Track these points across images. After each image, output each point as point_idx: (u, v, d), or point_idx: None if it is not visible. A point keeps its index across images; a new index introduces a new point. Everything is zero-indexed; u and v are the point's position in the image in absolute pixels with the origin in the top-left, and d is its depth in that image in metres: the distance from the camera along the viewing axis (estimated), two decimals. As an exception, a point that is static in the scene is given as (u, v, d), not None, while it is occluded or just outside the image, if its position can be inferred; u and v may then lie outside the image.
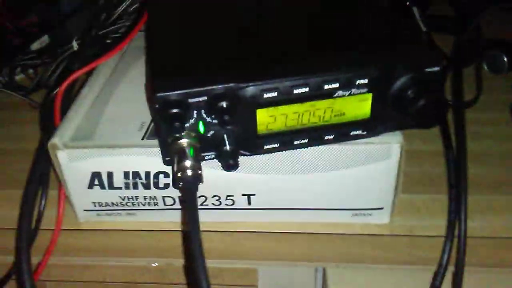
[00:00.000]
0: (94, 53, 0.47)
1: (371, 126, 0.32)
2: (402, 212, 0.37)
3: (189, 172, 0.28)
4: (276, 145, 0.32)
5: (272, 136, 0.31)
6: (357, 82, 0.30)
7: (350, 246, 0.36)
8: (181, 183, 0.28)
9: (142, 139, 0.34)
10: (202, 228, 0.36)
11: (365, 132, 0.32)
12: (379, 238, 0.36)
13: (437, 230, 0.36)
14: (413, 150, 0.43)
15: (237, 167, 0.30)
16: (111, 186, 0.35)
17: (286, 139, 0.32)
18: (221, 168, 0.32)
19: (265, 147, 0.32)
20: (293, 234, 0.37)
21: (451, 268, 0.34)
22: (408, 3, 0.63)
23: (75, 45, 0.54)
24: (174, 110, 0.28)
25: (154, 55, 0.33)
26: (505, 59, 0.53)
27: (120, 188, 0.35)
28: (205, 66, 0.31)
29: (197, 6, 0.40)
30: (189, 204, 0.27)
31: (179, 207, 0.36)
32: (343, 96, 0.30)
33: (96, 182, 0.35)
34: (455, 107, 0.43)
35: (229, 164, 0.30)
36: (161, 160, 0.32)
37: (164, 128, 0.30)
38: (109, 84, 0.41)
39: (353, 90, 0.30)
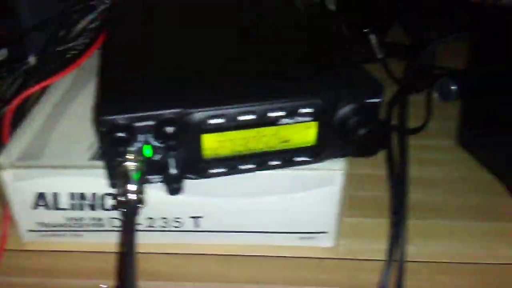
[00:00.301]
0: (52, 69, 0.47)
1: (316, 153, 0.33)
2: (348, 235, 0.38)
3: (131, 196, 0.28)
4: (222, 170, 0.32)
5: (218, 161, 0.32)
6: (302, 111, 0.31)
7: (297, 269, 0.37)
8: (122, 207, 0.28)
9: (90, 160, 0.34)
10: (149, 250, 0.37)
11: (310, 159, 0.33)
12: (324, 261, 0.37)
13: (380, 254, 0.37)
14: (363, 174, 0.44)
15: (181, 192, 0.31)
16: (56, 207, 0.35)
17: (233, 164, 0.32)
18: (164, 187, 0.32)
19: (211, 171, 0.32)
20: (242, 256, 0.37)
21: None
22: (366, 30, 0.66)
23: (32, 60, 0.53)
24: (120, 134, 0.29)
25: (105, 76, 0.34)
26: (453, 87, 0.56)
27: (66, 209, 0.35)
28: (154, 90, 0.31)
29: (157, 28, 0.41)
30: (126, 229, 0.27)
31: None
32: (288, 123, 0.31)
33: (41, 202, 0.34)
34: (400, 133, 0.45)
35: (174, 188, 0.30)
36: (107, 182, 0.32)
37: (109, 152, 0.30)
38: (63, 102, 0.41)
39: (298, 118, 0.31)
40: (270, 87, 0.32)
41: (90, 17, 0.54)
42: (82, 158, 0.34)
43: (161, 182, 0.32)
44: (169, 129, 0.29)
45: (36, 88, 0.43)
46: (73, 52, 0.52)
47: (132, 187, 0.29)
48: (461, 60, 0.59)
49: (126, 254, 0.26)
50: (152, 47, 0.37)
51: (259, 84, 0.32)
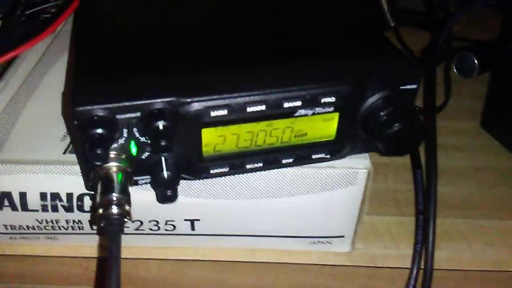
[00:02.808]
0: (20, 37, 0.40)
1: (335, 149, 0.28)
2: (364, 238, 0.33)
3: (114, 209, 0.23)
4: (225, 169, 0.27)
5: (220, 159, 0.26)
6: (323, 100, 0.25)
7: (305, 277, 0.32)
8: (103, 223, 0.23)
9: (64, 153, 0.29)
10: (137, 254, 0.32)
11: (328, 156, 0.28)
12: (338, 269, 0.32)
13: (401, 261, 0.32)
14: (381, 162, 0.39)
15: (176, 199, 0.25)
16: (25, 208, 0.29)
17: (237, 163, 0.27)
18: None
19: (212, 171, 0.27)
20: (242, 263, 0.32)
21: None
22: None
23: (-4, 24, 0.46)
24: (98, 130, 0.23)
25: (79, 54, 0.27)
26: (476, 61, 0.50)
27: (37, 211, 0.29)
28: (141, 74, 0.25)
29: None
30: (111, 250, 0.22)
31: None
32: (306, 115, 0.26)
33: (6, 203, 0.29)
34: (427, 115, 0.39)
35: (166, 195, 0.24)
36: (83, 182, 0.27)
37: (85, 150, 0.24)
38: (31, 79, 0.35)
39: (318, 109, 0.26)
40: (285, 71, 0.26)
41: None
42: (54, 152, 0.29)
43: (150, 185, 0.26)
44: (160, 124, 0.23)
45: (2, 60, 0.36)
46: (45, 16, 0.44)
47: (114, 195, 0.23)
48: (486, 31, 0.54)
49: (110, 276, 0.21)
50: (139, 19, 0.31)
51: (271, 68, 0.26)
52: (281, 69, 0.26)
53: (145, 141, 0.25)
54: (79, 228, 0.30)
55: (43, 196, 0.28)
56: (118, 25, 0.30)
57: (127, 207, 0.23)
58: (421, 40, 0.56)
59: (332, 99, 0.25)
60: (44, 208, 0.29)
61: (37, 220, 0.30)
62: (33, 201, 0.29)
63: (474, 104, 0.46)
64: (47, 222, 0.30)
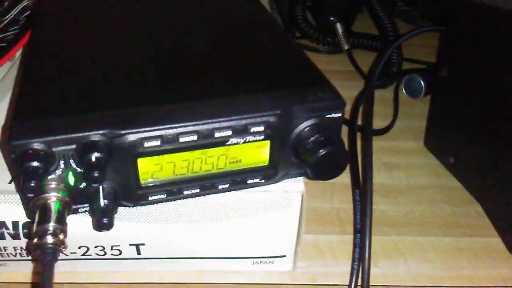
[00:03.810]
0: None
1: (270, 174, 0.29)
2: (307, 257, 0.35)
3: (49, 239, 0.24)
4: (163, 196, 0.28)
5: (158, 186, 0.28)
6: (252, 129, 0.27)
7: (250, 295, 0.34)
8: (38, 251, 0.24)
9: (10, 182, 0.30)
10: (85, 279, 0.33)
11: (263, 180, 0.30)
12: (281, 287, 0.34)
13: (341, 278, 0.34)
14: (322, 182, 0.41)
15: (111, 227, 0.26)
16: (-28, 237, 0.30)
17: (175, 189, 0.28)
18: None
19: (150, 198, 0.28)
20: (189, 284, 0.33)
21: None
22: (332, 19, 0.62)
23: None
24: (33, 163, 0.24)
25: (21, 88, 0.29)
26: (422, 82, 0.53)
27: (-16, 239, 0.30)
28: (78, 108, 0.27)
29: (85, 30, 0.35)
30: (43, 278, 0.23)
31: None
32: (238, 143, 0.27)
33: (-48, 231, 0.30)
34: (365, 136, 0.41)
35: (102, 223, 0.26)
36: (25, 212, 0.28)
37: (22, 182, 0.25)
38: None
39: (249, 138, 0.27)
40: (215, 103, 0.27)
41: (24, 3, 0.47)
42: (1, 180, 0.30)
43: (88, 213, 0.28)
44: (93, 156, 0.24)
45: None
46: (2, 45, 0.45)
47: (50, 225, 0.24)
48: (432, 52, 0.56)
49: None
50: (78, 54, 0.32)
51: (202, 100, 0.28)
52: (212, 100, 0.27)
53: (81, 171, 0.26)
54: (27, 254, 0.31)
55: (-11, 224, 0.29)
56: (59, 61, 0.31)
57: (61, 237, 0.24)
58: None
59: (261, 128, 0.27)
60: (-9, 236, 0.30)
61: (-15, 248, 0.31)
62: (-20, 229, 0.30)
63: (420, 124, 0.49)
64: (-6, 249, 0.31)
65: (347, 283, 0.33)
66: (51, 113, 0.26)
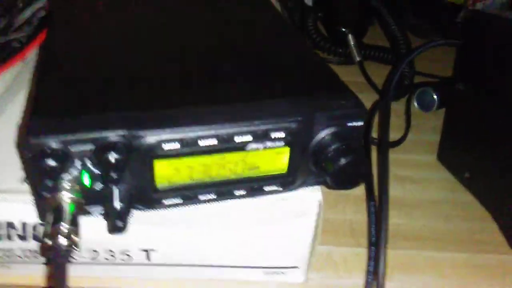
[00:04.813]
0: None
1: (287, 182, 0.29)
2: (319, 268, 0.34)
3: (62, 240, 0.23)
4: (178, 201, 0.28)
5: (173, 191, 0.27)
6: (273, 135, 0.26)
7: (261, 306, 0.33)
8: (49, 253, 0.23)
9: (21, 182, 0.29)
10: (92, 284, 0.32)
11: (281, 188, 0.29)
12: (293, 299, 0.33)
13: (355, 291, 0.33)
14: (336, 193, 0.40)
15: (125, 230, 0.25)
16: (-22, 237, 0.29)
17: (191, 194, 0.28)
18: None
19: (165, 202, 0.27)
20: (198, 293, 0.32)
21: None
22: (343, 30, 0.61)
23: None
24: (50, 162, 0.23)
25: (38, 87, 0.28)
26: (434, 96, 0.53)
27: (-9, 240, 0.29)
28: (96, 108, 0.26)
29: (104, 30, 0.35)
30: (57, 281, 0.22)
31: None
32: (257, 149, 0.27)
33: (-40, 231, 0.29)
34: (381, 148, 0.41)
35: (116, 226, 0.25)
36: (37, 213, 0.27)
37: (37, 181, 0.24)
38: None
39: (269, 144, 0.27)
40: (236, 107, 0.27)
41: (38, 4, 0.47)
42: (12, 180, 0.29)
43: (102, 215, 0.27)
44: (112, 157, 0.24)
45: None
46: (15, 45, 0.45)
47: (63, 226, 0.23)
48: (445, 66, 0.56)
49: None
50: (96, 53, 0.32)
51: (222, 104, 0.27)
52: (233, 105, 0.27)
53: (98, 172, 0.25)
54: (34, 257, 0.30)
55: (-3, 225, 0.29)
56: (78, 60, 0.30)
57: (75, 238, 0.24)
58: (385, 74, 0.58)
59: (282, 135, 0.27)
60: (-1, 237, 0.29)
61: (-9, 249, 0.30)
62: (-12, 229, 0.29)
63: (432, 137, 0.48)
64: (0, 250, 0.30)
65: (361, 297, 0.32)
66: (70, 112, 0.25)
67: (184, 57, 0.32)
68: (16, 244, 0.30)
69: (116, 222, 0.25)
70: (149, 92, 0.28)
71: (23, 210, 0.28)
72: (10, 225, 0.29)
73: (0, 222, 0.29)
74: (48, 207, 0.24)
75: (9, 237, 0.29)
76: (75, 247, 0.23)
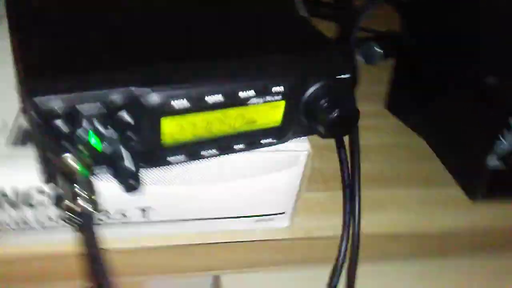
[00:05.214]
0: None
1: (281, 134, 0.30)
2: (302, 212, 0.37)
3: (83, 204, 0.23)
4: (181, 157, 0.28)
5: (177, 148, 0.27)
6: (273, 89, 0.28)
7: (250, 252, 0.35)
8: (74, 219, 0.23)
9: (8, 145, 0.27)
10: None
11: (275, 140, 0.30)
12: (280, 243, 0.35)
13: (334, 229, 0.36)
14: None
15: (139, 187, 0.26)
16: None
17: (194, 150, 0.28)
18: (116, 183, 0.27)
19: (169, 159, 0.28)
20: (192, 245, 0.34)
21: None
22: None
23: None
24: (58, 121, 0.23)
25: (25, 45, 0.26)
26: (378, 49, 0.56)
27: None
28: (97, 65, 0.25)
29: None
30: (87, 244, 0.22)
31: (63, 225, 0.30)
32: (257, 103, 0.28)
33: None
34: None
35: (132, 185, 0.25)
36: (40, 177, 0.26)
37: (45, 143, 0.23)
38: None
39: (268, 98, 0.28)
40: (237, 65, 0.27)
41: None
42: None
43: (112, 175, 0.27)
44: (125, 115, 0.24)
45: None
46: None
47: (81, 191, 0.23)
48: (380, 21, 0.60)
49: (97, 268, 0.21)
50: (95, 11, 0.30)
51: (224, 61, 0.28)
52: (234, 62, 0.28)
53: (104, 131, 0.25)
54: (26, 226, 0.29)
55: None
56: (64, 10, 0.29)
57: (95, 201, 0.23)
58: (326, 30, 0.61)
59: (281, 88, 0.28)
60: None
61: None
62: None
63: (378, 88, 0.52)
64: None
65: (339, 233, 0.35)
66: (72, 70, 0.24)
67: (183, 22, 0.31)
68: (8, 212, 0.28)
69: (128, 181, 0.25)
70: (153, 48, 0.27)
71: (15, 175, 0.27)
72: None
73: None
74: (59, 168, 0.24)
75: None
76: (97, 210, 0.23)
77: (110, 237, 0.31)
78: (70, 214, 0.23)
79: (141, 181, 0.26)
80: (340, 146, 0.40)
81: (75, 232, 0.23)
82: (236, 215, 0.34)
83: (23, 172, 0.27)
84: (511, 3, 0.37)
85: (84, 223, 0.22)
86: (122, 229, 0.31)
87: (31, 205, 0.28)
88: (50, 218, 0.29)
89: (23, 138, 0.28)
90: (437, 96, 0.44)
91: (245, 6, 0.35)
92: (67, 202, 0.23)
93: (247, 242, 0.35)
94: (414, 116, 0.47)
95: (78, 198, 0.23)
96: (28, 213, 0.29)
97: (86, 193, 0.23)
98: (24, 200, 0.28)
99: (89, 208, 0.23)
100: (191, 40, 0.29)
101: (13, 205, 0.28)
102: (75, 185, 0.23)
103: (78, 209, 0.22)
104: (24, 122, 0.29)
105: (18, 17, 0.29)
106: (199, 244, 0.34)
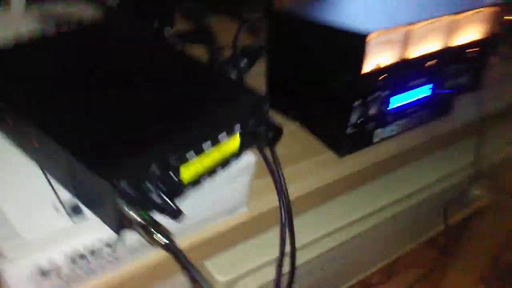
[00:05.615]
0: None
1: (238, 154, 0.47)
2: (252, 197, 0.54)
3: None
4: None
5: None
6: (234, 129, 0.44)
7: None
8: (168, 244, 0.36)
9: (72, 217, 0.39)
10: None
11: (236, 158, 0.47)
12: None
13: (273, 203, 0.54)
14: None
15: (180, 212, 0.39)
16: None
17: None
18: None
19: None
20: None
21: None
22: (158, 24, 0.75)
23: None
24: (132, 193, 0.36)
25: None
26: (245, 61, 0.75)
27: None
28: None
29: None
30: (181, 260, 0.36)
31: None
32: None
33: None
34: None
35: (177, 213, 0.39)
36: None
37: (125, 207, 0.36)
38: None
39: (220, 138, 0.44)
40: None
41: None
42: (62, 222, 0.38)
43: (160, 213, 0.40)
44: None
45: None
46: None
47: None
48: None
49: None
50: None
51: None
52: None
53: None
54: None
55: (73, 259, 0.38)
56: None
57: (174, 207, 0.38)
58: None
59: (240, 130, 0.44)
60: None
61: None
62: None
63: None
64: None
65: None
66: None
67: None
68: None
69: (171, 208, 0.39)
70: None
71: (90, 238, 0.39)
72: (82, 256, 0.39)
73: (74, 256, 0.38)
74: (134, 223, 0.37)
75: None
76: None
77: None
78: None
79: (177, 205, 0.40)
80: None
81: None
82: (205, 218, 0.50)
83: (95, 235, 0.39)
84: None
85: (173, 247, 0.36)
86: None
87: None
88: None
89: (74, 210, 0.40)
90: (306, 93, 0.65)
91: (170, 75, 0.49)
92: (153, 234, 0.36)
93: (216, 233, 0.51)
94: (290, 109, 0.67)
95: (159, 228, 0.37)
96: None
97: (161, 227, 0.37)
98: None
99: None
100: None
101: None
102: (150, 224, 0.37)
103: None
104: (68, 198, 0.40)
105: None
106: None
